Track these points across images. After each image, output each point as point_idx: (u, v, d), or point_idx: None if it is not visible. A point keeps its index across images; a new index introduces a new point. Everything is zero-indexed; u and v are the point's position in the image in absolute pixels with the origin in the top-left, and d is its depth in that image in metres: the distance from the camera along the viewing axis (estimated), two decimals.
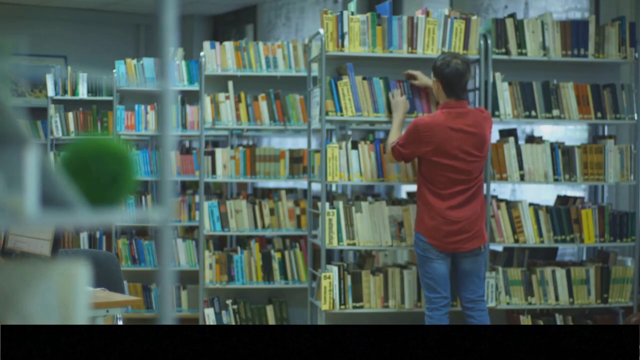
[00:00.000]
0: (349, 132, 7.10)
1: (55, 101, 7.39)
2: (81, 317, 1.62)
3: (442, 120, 4.92)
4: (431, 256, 4.94)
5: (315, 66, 5.77)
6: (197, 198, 6.78)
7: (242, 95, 6.18)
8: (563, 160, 5.48)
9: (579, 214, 5.49)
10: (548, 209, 5.50)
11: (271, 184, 8.61)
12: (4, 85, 1.56)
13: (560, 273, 5.48)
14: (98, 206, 1.66)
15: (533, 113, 5.46)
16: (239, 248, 6.26)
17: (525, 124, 6.32)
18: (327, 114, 5.26)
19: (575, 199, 5.84)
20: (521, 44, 5.44)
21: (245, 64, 6.20)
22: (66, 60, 10.66)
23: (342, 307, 5.29)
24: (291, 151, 6.27)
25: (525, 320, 5.51)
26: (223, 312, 6.20)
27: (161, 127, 1.70)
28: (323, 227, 5.26)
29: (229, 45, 6.21)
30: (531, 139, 5.67)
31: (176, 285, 6.85)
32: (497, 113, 5.41)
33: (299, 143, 9.38)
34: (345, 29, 5.24)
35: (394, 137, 5.10)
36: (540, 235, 5.45)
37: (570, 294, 5.49)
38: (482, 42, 5.39)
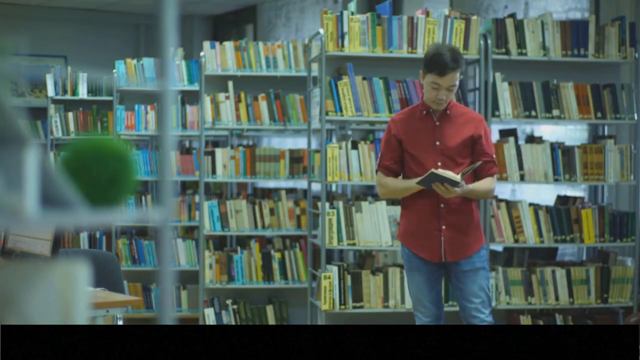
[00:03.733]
0: (349, 132, 7.10)
1: (55, 101, 7.38)
2: (81, 317, 1.62)
3: None
4: None
5: (315, 66, 5.77)
6: (197, 198, 6.78)
7: (242, 95, 6.18)
8: (563, 160, 5.48)
9: (579, 214, 5.49)
10: (548, 209, 5.50)
11: (271, 184, 8.60)
12: (4, 85, 1.56)
13: (560, 273, 5.48)
14: (98, 206, 1.66)
15: (533, 113, 5.46)
16: (239, 248, 6.25)
17: (525, 124, 6.31)
18: (327, 114, 5.26)
19: (575, 199, 5.84)
20: (521, 44, 5.44)
21: (245, 64, 6.20)
22: (66, 60, 10.66)
23: (342, 307, 5.29)
24: (291, 151, 6.27)
25: (525, 320, 5.51)
26: (223, 312, 6.20)
27: (161, 127, 1.70)
28: (323, 227, 5.26)
29: (229, 45, 6.21)
30: (531, 139, 5.67)
31: (176, 285, 6.85)
32: (497, 113, 5.41)
33: (299, 143, 9.38)
34: (345, 29, 5.24)
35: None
36: (540, 235, 5.45)
37: (570, 294, 5.49)
38: (482, 42, 5.39)
